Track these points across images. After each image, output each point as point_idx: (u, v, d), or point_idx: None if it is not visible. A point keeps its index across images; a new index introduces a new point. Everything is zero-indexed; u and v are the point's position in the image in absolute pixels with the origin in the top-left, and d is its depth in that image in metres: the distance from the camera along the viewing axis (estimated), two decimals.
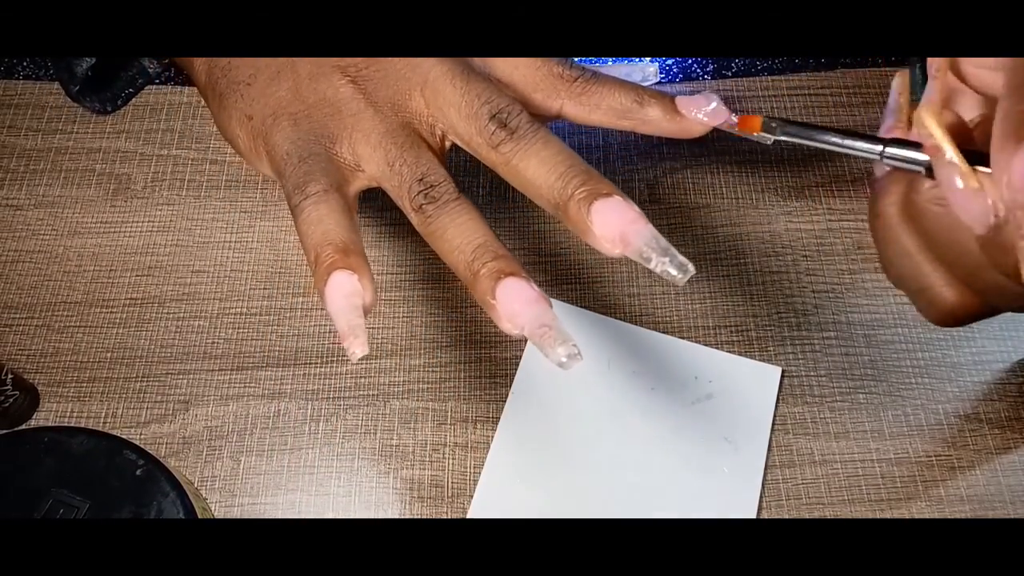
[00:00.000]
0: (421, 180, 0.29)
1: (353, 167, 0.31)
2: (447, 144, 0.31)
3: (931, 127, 0.23)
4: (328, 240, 0.28)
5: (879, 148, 0.25)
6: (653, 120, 0.31)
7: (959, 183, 0.22)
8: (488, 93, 0.29)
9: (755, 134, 0.29)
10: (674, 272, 0.26)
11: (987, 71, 0.24)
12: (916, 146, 0.24)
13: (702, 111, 0.30)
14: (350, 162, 0.31)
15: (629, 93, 0.31)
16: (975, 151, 0.23)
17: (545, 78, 0.31)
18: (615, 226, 0.26)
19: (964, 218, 0.22)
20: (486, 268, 0.27)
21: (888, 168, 0.26)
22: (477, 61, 0.32)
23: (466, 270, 0.27)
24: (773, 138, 0.28)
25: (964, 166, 0.22)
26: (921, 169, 0.24)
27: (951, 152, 0.23)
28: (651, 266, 0.26)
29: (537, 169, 0.28)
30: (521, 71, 0.31)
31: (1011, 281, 0.22)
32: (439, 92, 0.30)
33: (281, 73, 0.31)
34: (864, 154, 0.26)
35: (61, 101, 0.50)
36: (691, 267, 0.26)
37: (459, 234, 0.28)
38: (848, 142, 0.26)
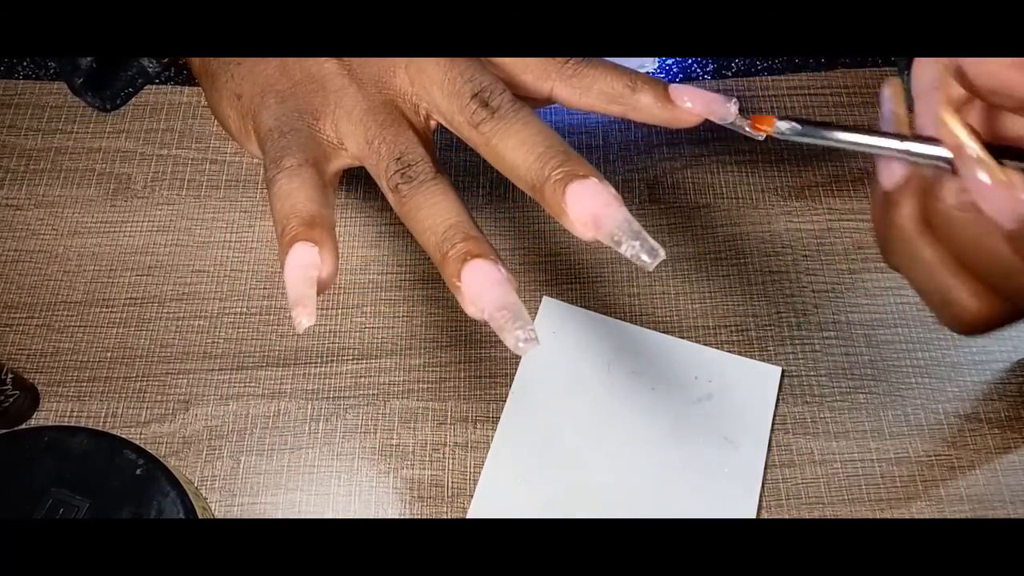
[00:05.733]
0: (399, 159, 0.28)
1: (336, 144, 0.30)
2: (432, 124, 0.30)
3: (952, 125, 0.23)
4: (295, 212, 0.27)
5: (903, 145, 0.24)
6: (644, 107, 0.29)
7: (986, 178, 0.22)
8: (471, 71, 0.28)
9: (747, 130, 0.28)
10: (645, 257, 0.25)
11: (1002, 68, 0.23)
12: (936, 142, 0.24)
13: (695, 102, 0.29)
14: (333, 139, 0.30)
15: (621, 77, 0.30)
16: (999, 145, 0.22)
17: (536, 59, 0.30)
18: (588, 208, 0.25)
19: (992, 213, 0.22)
20: (455, 249, 0.26)
21: (899, 174, 0.25)
22: None
23: (436, 251, 0.27)
24: (765, 134, 0.27)
25: (990, 160, 0.22)
26: (946, 166, 0.24)
27: (975, 147, 0.22)
28: (622, 250, 0.25)
29: (516, 149, 0.27)
30: None
31: None
32: (423, 70, 0.29)
33: None
34: (885, 152, 0.25)
35: (61, 101, 0.50)
36: (662, 252, 0.25)
37: (432, 214, 0.27)
38: (868, 140, 0.25)
